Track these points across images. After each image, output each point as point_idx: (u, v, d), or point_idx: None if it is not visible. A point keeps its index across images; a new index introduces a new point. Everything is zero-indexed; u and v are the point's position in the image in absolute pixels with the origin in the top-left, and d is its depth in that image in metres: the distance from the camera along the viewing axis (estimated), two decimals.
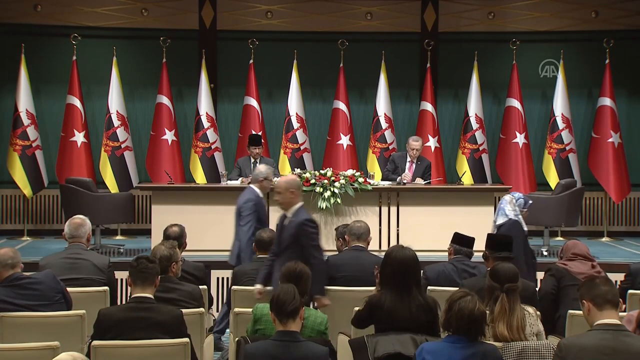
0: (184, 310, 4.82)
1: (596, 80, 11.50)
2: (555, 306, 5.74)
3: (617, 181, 11.10)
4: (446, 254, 6.42)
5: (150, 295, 4.67)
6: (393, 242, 9.26)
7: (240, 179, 9.75)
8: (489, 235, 6.03)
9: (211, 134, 11.20)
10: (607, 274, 5.99)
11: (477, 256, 6.21)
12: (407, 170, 9.80)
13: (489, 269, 5.24)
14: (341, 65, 11.42)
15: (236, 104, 11.73)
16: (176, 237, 6.29)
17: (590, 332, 3.98)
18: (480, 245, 6.16)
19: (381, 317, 4.80)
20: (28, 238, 11.01)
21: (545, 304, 5.67)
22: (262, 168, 7.83)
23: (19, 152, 10.84)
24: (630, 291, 5.99)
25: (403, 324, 4.71)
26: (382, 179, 9.99)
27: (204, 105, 11.20)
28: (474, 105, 11.36)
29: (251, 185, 7.66)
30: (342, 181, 9.18)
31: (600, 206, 11.76)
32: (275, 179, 9.52)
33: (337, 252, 6.84)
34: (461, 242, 6.32)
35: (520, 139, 11.21)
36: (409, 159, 9.90)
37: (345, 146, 11.28)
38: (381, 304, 4.79)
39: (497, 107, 11.90)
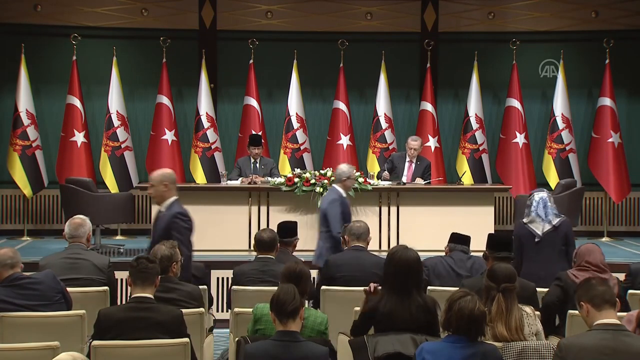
0: (184, 310, 4.82)
1: (596, 80, 11.49)
2: (556, 316, 5.71)
3: (617, 181, 11.10)
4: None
5: (150, 295, 4.67)
6: (393, 242, 9.27)
7: (240, 179, 9.76)
8: (489, 235, 6.05)
9: (211, 134, 11.20)
10: None
11: (477, 256, 6.24)
12: (405, 171, 9.86)
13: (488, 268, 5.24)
14: (341, 65, 11.42)
15: (236, 104, 11.72)
16: None
17: (590, 332, 3.98)
18: (478, 245, 6.17)
19: (381, 318, 4.79)
20: (28, 238, 11.00)
21: (546, 311, 5.64)
22: (344, 167, 7.90)
23: (19, 152, 10.83)
24: (630, 291, 5.98)
25: (403, 325, 4.70)
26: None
27: (204, 105, 11.20)
28: (474, 105, 11.35)
29: (334, 185, 7.73)
30: None
31: (600, 206, 11.76)
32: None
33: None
34: (457, 240, 6.43)
35: (520, 139, 11.21)
36: (407, 158, 9.91)
37: (345, 146, 11.28)
38: (381, 305, 4.77)
39: (497, 107, 11.89)
